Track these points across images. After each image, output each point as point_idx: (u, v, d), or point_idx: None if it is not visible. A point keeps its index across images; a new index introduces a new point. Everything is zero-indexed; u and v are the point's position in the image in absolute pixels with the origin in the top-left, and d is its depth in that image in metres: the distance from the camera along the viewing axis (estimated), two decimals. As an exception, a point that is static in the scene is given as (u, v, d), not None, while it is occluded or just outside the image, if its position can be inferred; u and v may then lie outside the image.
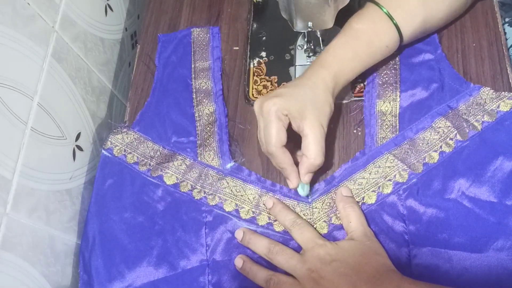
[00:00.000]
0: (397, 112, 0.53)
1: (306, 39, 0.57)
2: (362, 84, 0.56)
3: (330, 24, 0.51)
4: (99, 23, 0.63)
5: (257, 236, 0.49)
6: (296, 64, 0.59)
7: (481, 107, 0.51)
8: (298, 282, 0.45)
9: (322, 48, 0.57)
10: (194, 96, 0.59)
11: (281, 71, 0.59)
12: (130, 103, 0.62)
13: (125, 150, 0.57)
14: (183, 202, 0.53)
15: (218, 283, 0.49)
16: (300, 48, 0.60)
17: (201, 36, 0.63)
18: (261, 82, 0.59)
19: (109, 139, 0.58)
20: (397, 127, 0.53)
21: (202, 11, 0.67)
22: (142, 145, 0.57)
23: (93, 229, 0.53)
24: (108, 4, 0.66)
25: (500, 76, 0.54)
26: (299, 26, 0.51)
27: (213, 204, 0.52)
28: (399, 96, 0.54)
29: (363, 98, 0.55)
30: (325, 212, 0.50)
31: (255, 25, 0.64)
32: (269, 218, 0.51)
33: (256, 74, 0.60)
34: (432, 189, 0.49)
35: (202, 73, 0.60)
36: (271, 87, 0.58)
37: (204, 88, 0.59)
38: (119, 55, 0.69)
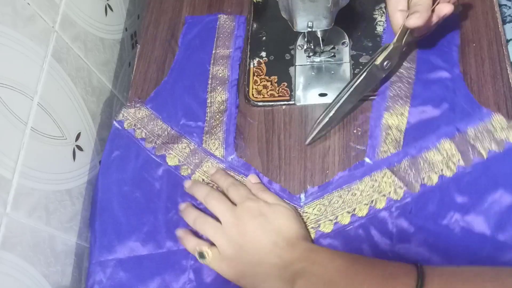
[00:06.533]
0: (404, 128, 0.52)
1: (306, 39, 0.56)
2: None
3: (330, 24, 0.51)
4: (99, 23, 0.63)
5: (200, 183, 0.52)
6: (296, 64, 0.59)
7: (490, 134, 0.50)
8: (223, 227, 0.47)
9: (322, 48, 0.57)
10: (209, 82, 0.59)
11: (281, 71, 0.59)
12: (130, 103, 0.62)
13: (135, 125, 0.58)
14: (181, 185, 0.54)
15: (199, 269, 0.49)
16: (300, 48, 0.60)
17: (227, 23, 0.64)
18: (261, 82, 0.59)
19: (122, 112, 0.59)
20: (401, 142, 0.52)
21: (202, 11, 0.67)
22: (152, 123, 0.58)
23: (96, 197, 0.55)
24: (108, 4, 0.66)
25: (500, 76, 0.54)
26: (299, 26, 0.51)
27: None
28: (408, 111, 0.53)
29: (364, 99, 0.55)
30: (314, 218, 0.50)
31: (255, 25, 0.64)
32: None
33: (256, 74, 0.60)
34: (426, 212, 0.48)
35: (221, 60, 0.61)
36: (271, 87, 0.58)
37: (220, 75, 0.60)
38: (119, 55, 0.69)
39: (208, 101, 0.58)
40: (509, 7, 0.68)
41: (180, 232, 0.50)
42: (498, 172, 0.48)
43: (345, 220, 0.49)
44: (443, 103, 0.53)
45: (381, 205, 0.49)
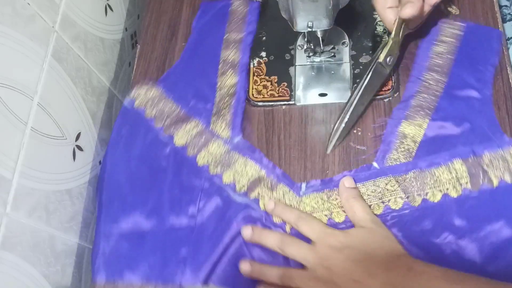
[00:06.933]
0: (419, 140, 0.51)
1: (306, 39, 0.56)
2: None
3: (330, 24, 0.51)
4: (99, 23, 0.63)
5: (267, 230, 0.49)
6: (296, 64, 0.59)
7: (506, 164, 0.48)
8: (311, 273, 0.45)
9: (322, 48, 0.57)
10: (220, 66, 0.60)
11: (281, 71, 0.59)
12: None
13: (145, 104, 0.59)
14: (187, 164, 0.55)
15: (197, 247, 0.50)
16: (300, 48, 0.60)
17: (239, 8, 0.64)
18: (261, 82, 0.59)
19: (134, 90, 0.60)
20: (413, 154, 0.51)
21: (202, 11, 0.67)
22: (162, 103, 0.59)
23: (105, 166, 0.56)
24: (108, 4, 0.66)
25: (500, 76, 0.54)
26: (299, 26, 0.51)
27: (213, 173, 0.53)
28: (427, 124, 0.52)
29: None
30: (310, 210, 0.50)
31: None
32: (259, 194, 0.51)
33: (256, 74, 0.60)
34: (421, 227, 0.47)
35: (232, 44, 0.61)
36: (271, 87, 0.58)
37: (231, 59, 0.60)
38: (119, 55, 0.69)
39: (218, 84, 0.59)
40: (508, 7, 0.68)
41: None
42: (504, 203, 0.47)
43: (339, 218, 0.49)
44: (464, 123, 0.51)
45: (378, 211, 0.49)
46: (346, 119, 0.52)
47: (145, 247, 0.51)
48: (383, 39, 0.58)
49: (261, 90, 0.58)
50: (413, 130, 0.52)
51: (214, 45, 0.62)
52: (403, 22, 0.50)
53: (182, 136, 0.56)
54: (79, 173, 0.56)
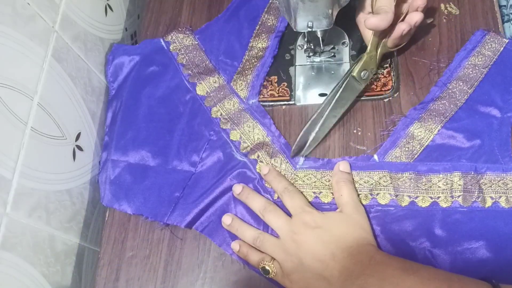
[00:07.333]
0: (426, 144, 0.51)
1: (306, 39, 0.57)
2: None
3: (330, 24, 0.51)
4: (99, 23, 0.63)
5: (255, 193, 0.51)
6: (296, 64, 0.59)
7: (505, 189, 0.47)
8: (281, 242, 0.47)
9: (322, 48, 0.57)
10: (256, 28, 0.62)
11: (281, 71, 0.59)
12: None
13: (179, 50, 0.62)
14: (201, 114, 0.57)
15: (190, 193, 0.53)
16: (300, 48, 0.60)
17: None
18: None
19: (172, 34, 0.63)
20: (416, 156, 0.50)
21: (202, 11, 0.67)
22: (195, 52, 0.61)
23: (123, 96, 0.60)
24: (108, 4, 0.66)
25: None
26: (299, 26, 0.51)
27: (223, 128, 0.56)
28: (438, 131, 0.51)
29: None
30: (300, 185, 0.51)
31: (255, 25, 0.64)
32: (258, 157, 0.53)
33: (256, 74, 0.60)
34: (400, 227, 0.48)
35: (274, 11, 0.63)
36: (271, 87, 0.58)
37: (269, 24, 0.62)
38: (119, 55, 0.69)
39: (250, 45, 0.61)
40: (506, 7, 0.68)
41: (244, 248, 0.49)
42: (490, 225, 0.46)
43: (326, 199, 0.50)
44: (476, 139, 0.50)
45: (364, 201, 0.49)
46: (314, 133, 0.52)
47: (144, 183, 0.54)
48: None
49: (261, 90, 0.58)
50: (423, 133, 0.51)
51: (257, 7, 0.64)
52: (380, 39, 0.50)
53: (204, 86, 0.58)
54: (79, 173, 0.56)
